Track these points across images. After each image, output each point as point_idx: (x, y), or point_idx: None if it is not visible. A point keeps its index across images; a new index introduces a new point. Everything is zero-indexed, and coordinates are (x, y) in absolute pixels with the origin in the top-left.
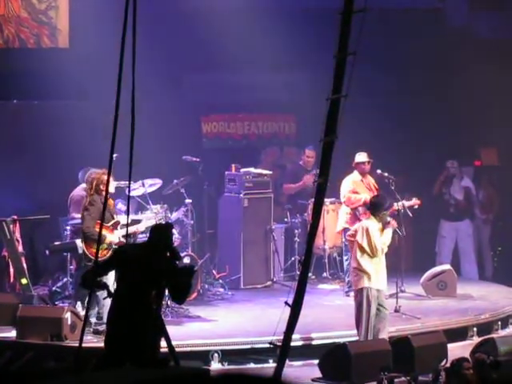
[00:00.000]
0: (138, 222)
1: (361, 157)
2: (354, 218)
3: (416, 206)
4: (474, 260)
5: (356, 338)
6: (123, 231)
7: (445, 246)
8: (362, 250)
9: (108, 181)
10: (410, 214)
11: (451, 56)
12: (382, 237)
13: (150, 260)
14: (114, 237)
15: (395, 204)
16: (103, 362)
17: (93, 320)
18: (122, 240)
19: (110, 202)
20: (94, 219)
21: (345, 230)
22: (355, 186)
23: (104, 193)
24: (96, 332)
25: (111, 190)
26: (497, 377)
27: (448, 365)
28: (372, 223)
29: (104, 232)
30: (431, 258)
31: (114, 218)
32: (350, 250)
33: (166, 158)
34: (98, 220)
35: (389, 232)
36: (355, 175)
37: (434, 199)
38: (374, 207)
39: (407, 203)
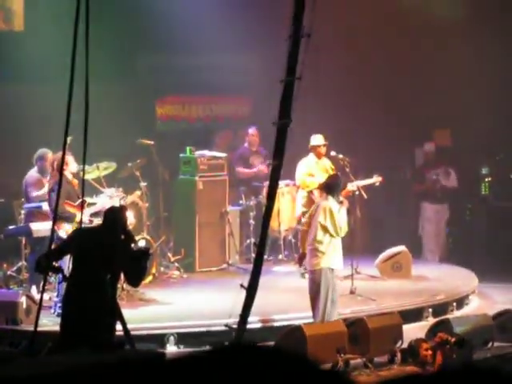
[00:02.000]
0: (95, 204)
1: (316, 139)
2: (310, 201)
3: (378, 183)
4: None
5: (311, 320)
6: (90, 209)
7: (429, 229)
8: (325, 230)
9: (62, 162)
10: (365, 196)
11: (404, 35)
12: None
13: (104, 243)
14: (83, 216)
15: (350, 185)
16: (58, 345)
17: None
18: (91, 218)
19: (75, 181)
20: (62, 199)
21: (304, 213)
22: (310, 169)
23: (66, 172)
24: (59, 315)
25: (73, 169)
26: (457, 356)
27: (403, 346)
28: (333, 203)
29: (73, 211)
30: (386, 239)
31: (79, 198)
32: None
33: (120, 141)
34: (65, 199)
35: (344, 211)
36: (310, 158)
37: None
38: (331, 187)
39: (368, 181)
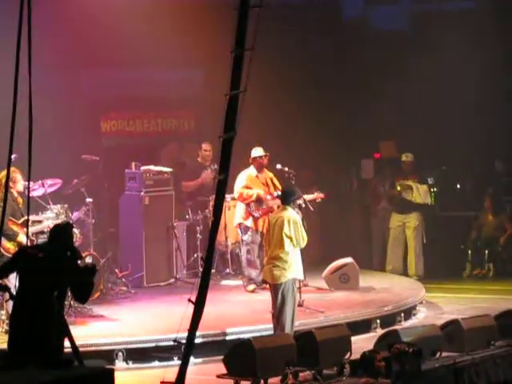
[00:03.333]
0: (40, 222)
1: (257, 151)
2: (247, 213)
3: (319, 200)
4: (420, 254)
5: (267, 333)
6: (33, 229)
7: (391, 238)
8: (290, 241)
9: (7, 180)
10: (311, 208)
11: (348, 48)
12: None
13: (50, 260)
14: (24, 236)
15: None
16: (6, 363)
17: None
18: (33, 239)
19: (19, 200)
20: (7, 216)
21: (240, 224)
22: (249, 182)
23: (13, 190)
24: (7, 332)
25: (20, 188)
26: (409, 367)
27: (352, 357)
28: (294, 213)
29: (16, 229)
30: (333, 251)
31: (23, 216)
32: (263, 243)
33: (65, 158)
34: (10, 217)
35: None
36: (251, 170)
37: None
38: (287, 197)
39: (309, 197)
